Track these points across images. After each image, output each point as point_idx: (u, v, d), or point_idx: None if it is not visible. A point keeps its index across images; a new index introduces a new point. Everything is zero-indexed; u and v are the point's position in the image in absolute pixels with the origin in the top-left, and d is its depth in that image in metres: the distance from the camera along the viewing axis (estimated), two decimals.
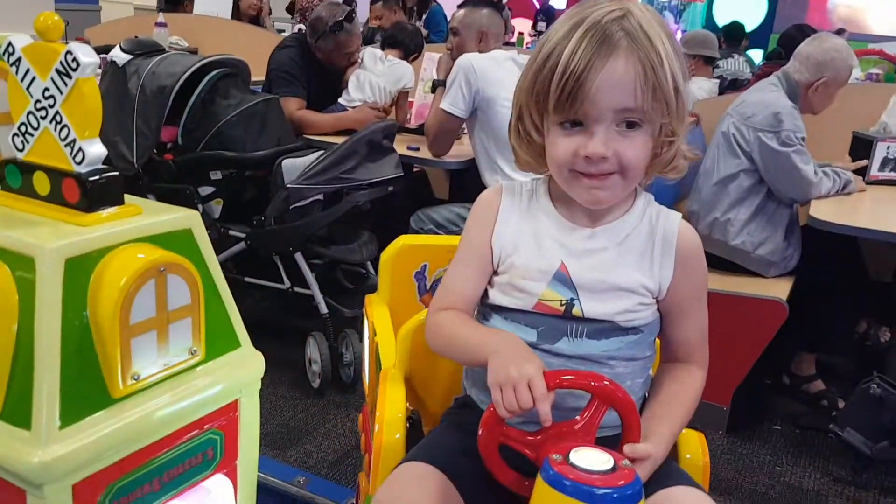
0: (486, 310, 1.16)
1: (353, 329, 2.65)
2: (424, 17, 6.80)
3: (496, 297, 1.12)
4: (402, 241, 1.55)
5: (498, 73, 2.67)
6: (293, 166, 2.49)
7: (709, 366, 1.17)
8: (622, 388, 0.99)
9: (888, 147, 2.84)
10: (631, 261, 1.08)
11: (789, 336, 2.56)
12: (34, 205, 0.94)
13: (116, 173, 0.93)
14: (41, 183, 0.94)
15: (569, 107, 0.99)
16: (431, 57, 3.41)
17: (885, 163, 2.86)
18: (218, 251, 1.05)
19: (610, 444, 0.95)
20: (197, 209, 2.31)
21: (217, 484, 1.04)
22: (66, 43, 0.89)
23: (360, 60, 3.35)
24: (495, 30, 2.91)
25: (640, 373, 1.12)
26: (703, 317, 1.15)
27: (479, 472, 1.02)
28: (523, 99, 1.07)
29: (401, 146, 2.91)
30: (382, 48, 3.49)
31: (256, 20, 5.80)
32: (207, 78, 2.64)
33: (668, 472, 1.05)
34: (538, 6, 10.22)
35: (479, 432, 0.99)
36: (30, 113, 0.92)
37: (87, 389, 0.86)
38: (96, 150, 0.90)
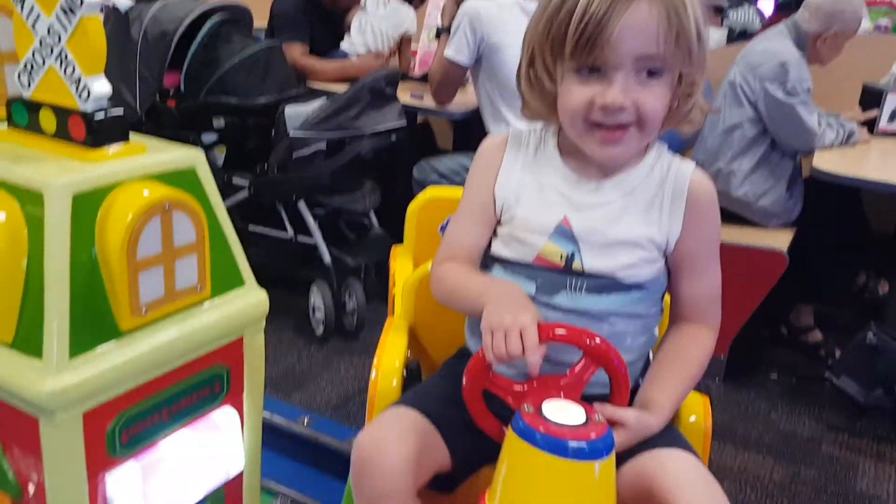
0: (487, 260, 1.13)
1: (355, 278, 2.67)
2: None
3: (497, 247, 1.10)
4: (430, 192, 1.50)
5: (504, 20, 2.62)
6: (296, 113, 2.48)
7: None
8: (616, 350, 0.95)
9: None
10: (637, 213, 1.05)
11: (788, 287, 2.58)
12: (41, 141, 0.96)
13: (122, 110, 0.94)
14: (47, 120, 0.95)
15: (587, 53, 0.95)
16: (436, 3, 3.35)
17: (894, 115, 2.82)
18: (221, 199, 1.06)
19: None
20: None
21: (224, 416, 1.07)
22: None
23: (362, 3, 3.31)
24: None
25: (643, 331, 1.09)
26: (715, 274, 1.09)
27: (466, 421, 1.00)
28: (536, 43, 1.02)
29: (404, 94, 2.89)
30: None
31: None
32: (209, 24, 2.62)
33: (661, 433, 1.01)
34: None
35: (465, 376, 0.97)
36: (35, 51, 0.93)
37: (96, 321, 0.89)
38: (101, 87, 0.91)
